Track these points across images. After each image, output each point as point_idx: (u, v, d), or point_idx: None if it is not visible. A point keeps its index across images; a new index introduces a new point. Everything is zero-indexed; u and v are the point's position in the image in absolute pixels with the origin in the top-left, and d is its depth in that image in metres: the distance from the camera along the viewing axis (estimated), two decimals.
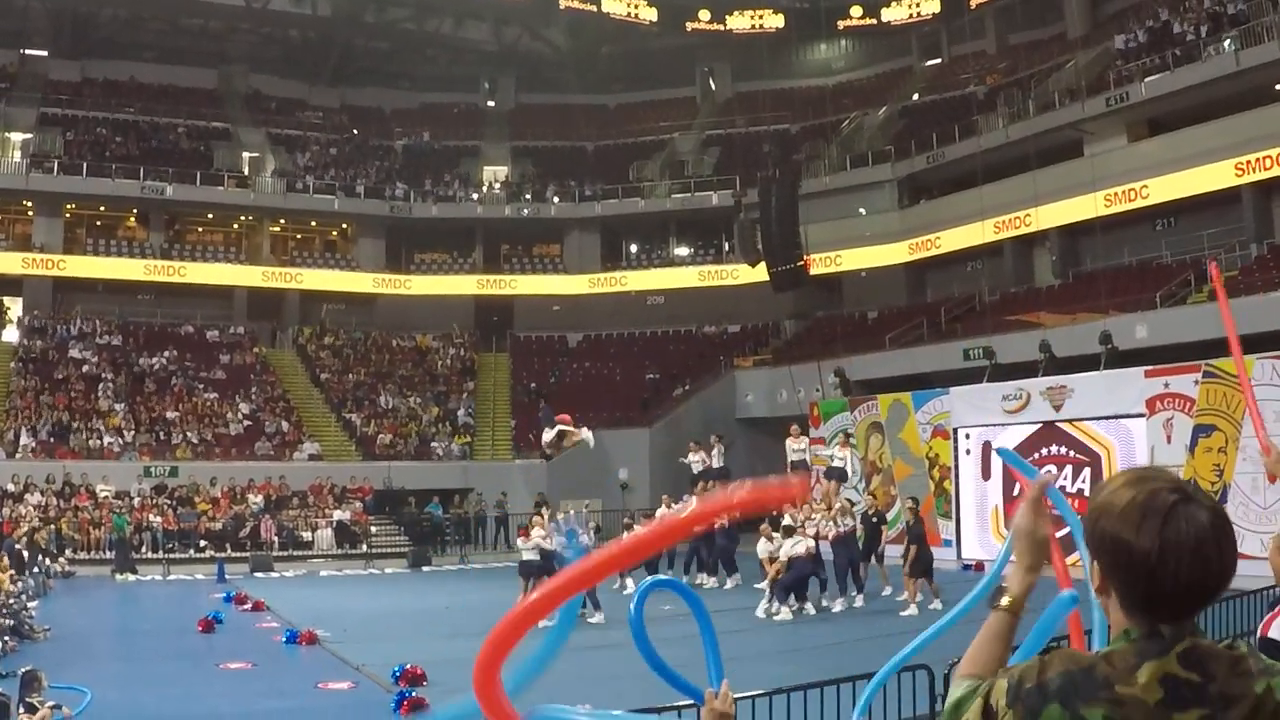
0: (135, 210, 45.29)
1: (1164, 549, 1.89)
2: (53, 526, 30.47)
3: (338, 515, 34.57)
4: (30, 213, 43.72)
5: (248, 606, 22.67)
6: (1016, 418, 26.49)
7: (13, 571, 19.92)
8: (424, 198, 47.58)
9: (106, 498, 32.86)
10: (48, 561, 27.39)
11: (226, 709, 13.26)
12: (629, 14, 49.95)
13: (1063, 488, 25.08)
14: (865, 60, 51.85)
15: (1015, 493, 26.06)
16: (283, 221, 47.75)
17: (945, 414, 28.51)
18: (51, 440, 35.60)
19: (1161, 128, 34.29)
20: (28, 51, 47.17)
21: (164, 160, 44.91)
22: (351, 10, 49.36)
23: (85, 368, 39.40)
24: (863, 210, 42.95)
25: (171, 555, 31.57)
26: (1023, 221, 36.99)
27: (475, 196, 48.78)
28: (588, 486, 36.90)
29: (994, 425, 27.22)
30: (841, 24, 49.65)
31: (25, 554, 25.46)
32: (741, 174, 44.53)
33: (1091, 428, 24.80)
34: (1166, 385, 23.21)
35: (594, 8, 49.18)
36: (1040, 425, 25.92)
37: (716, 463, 26.86)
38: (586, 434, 20.04)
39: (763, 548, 20.48)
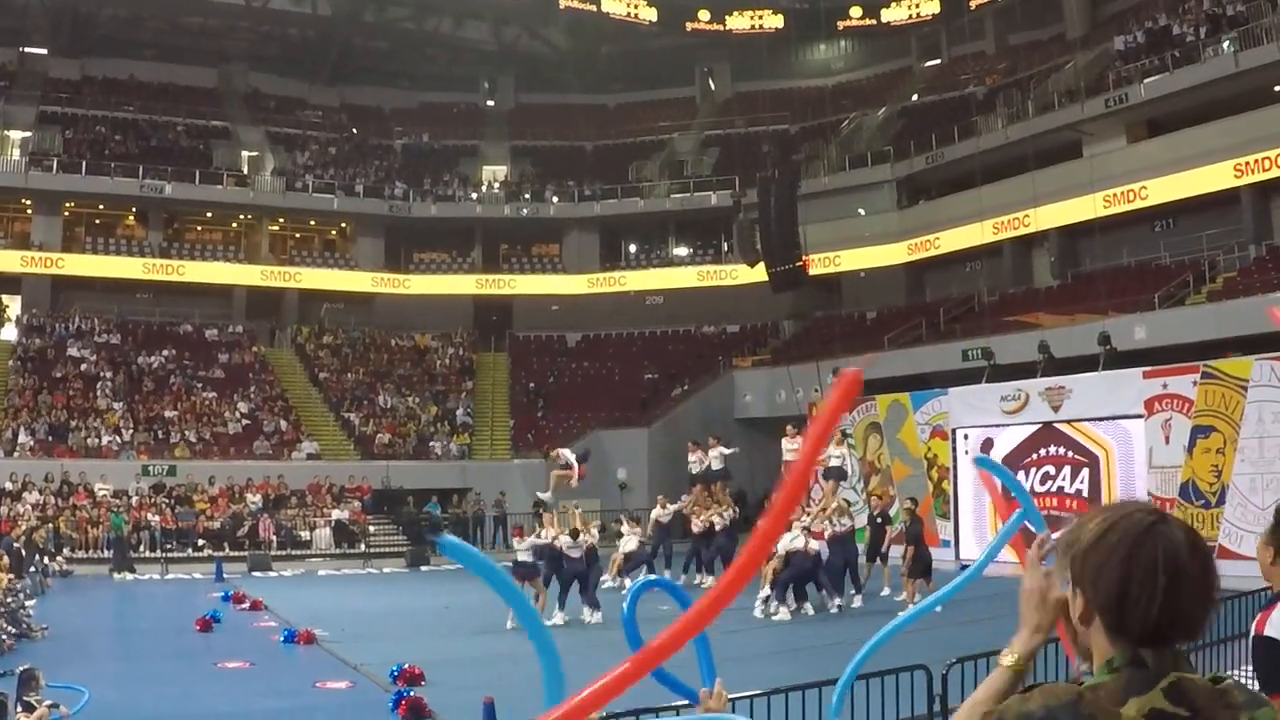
0: (134, 209, 45.29)
1: (1143, 570, 1.90)
2: (50, 525, 30.44)
3: (336, 515, 34.56)
4: (29, 211, 43.70)
5: (246, 606, 22.65)
6: (1015, 418, 26.49)
7: (12, 576, 19.86)
8: (423, 197, 47.58)
9: (104, 496, 32.83)
10: (45, 560, 27.38)
11: (224, 708, 13.25)
12: (628, 14, 49.94)
13: (1061, 488, 25.13)
14: (865, 61, 51.86)
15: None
16: (282, 220, 47.73)
17: (944, 414, 28.50)
18: (50, 439, 35.58)
19: (1161, 129, 34.31)
20: (27, 49, 47.14)
21: (163, 159, 44.90)
22: (351, 9, 49.35)
23: (84, 366, 39.38)
24: (862, 211, 42.96)
25: (169, 554, 31.55)
26: (1022, 222, 37.00)
27: (474, 196, 48.79)
28: (587, 486, 36.84)
29: (993, 426, 27.23)
30: (841, 24, 49.65)
31: (23, 552, 25.43)
32: (741, 174, 44.53)
33: (1090, 429, 24.80)
34: (1165, 386, 23.21)
35: (594, 7, 49.17)
36: (1038, 426, 25.92)
37: (716, 464, 26.83)
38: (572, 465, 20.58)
39: None
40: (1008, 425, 26.69)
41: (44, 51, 47.40)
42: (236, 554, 31.72)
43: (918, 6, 48.06)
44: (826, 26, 49.01)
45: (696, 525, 24.85)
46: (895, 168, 42.23)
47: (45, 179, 42.37)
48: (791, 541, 19.38)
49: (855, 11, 49.08)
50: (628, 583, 20.89)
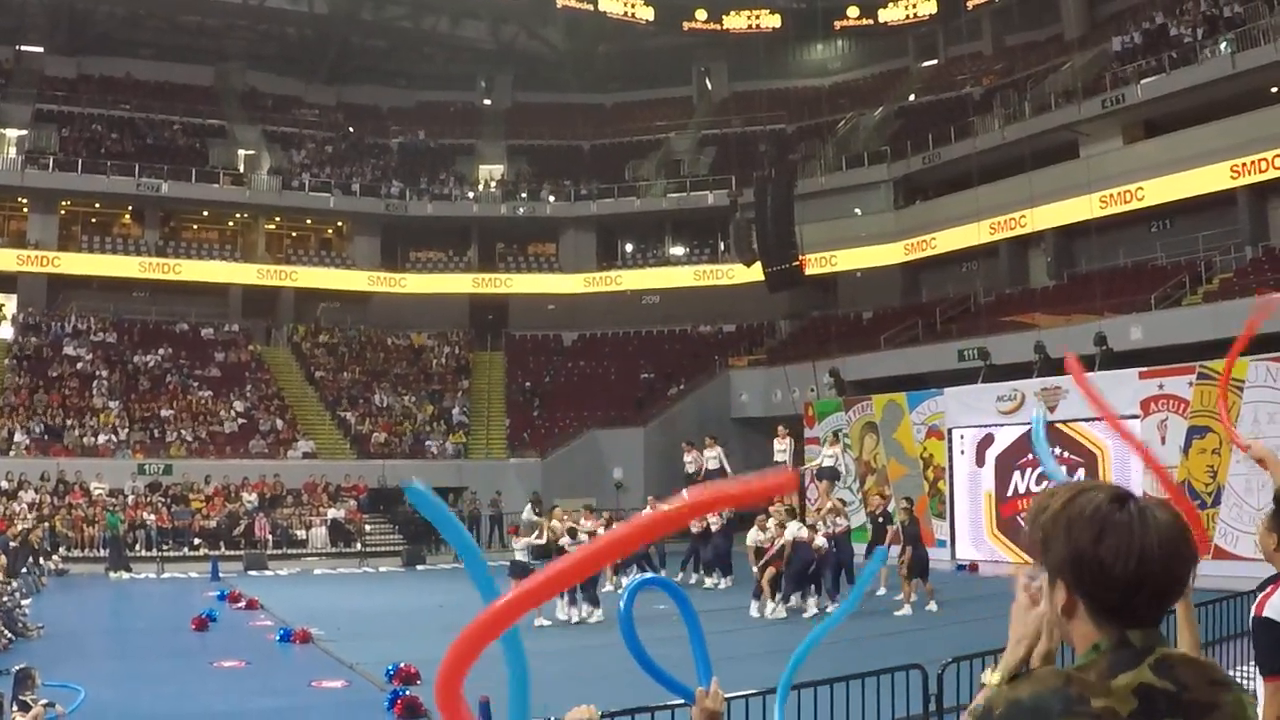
0: (130, 207, 45.30)
1: (1131, 549, 1.90)
2: (46, 524, 30.41)
3: (332, 513, 34.54)
4: (25, 209, 43.68)
5: (242, 605, 22.63)
6: (1011, 418, 26.50)
7: (7, 579, 19.84)
8: (419, 196, 47.57)
9: (100, 495, 32.81)
10: (40, 560, 27.32)
11: (220, 707, 13.24)
12: (626, 13, 49.93)
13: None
14: (862, 61, 51.88)
15: (1010, 493, 26.13)
16: (278, 219, 47.73)
17: (940, 414, 28.52)
18: (46, 438, 35.56)
19: (1157, 129, 34.34)
20: (24, 48, 47.14)
21: (159, 157, 44.88)
22: (348, 8, 49.34)
23: (79, 365, 39.36)
24: (858, 210, 42.99)
25: (165, 553, 31.53)
26: (1018, 222, 37.03)
27: (471, 195, 48.80)
28: (582, 486, 36.93)
29: (988, 426, 27.24)
30: (838, 24, 49.69)
31: (18, 551, 25.38)
32: (737, 174, 44.53)
33: (1086, 429, 24.81)
34: (1161, 386, 23.24)
35: (591, 7, 49.14)
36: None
37: (711, 464, 26.82)
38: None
39: (753, 536, 20.47)
40: (1003, 425, 26.69)
41: (40, 49, 47.39)
42: (232, 553, 31.67)
43: (915, 7, 48.07)
44: (823, 26, 49.09)
45: (694, 525, 24.82)
46: (892, 168, 42.26)
47: (41, 177, 42.34)
48: (798, 530, 19.40)
49: (852, 11, 49.09)
50: (622, 581, 20.88)
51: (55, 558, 29.20)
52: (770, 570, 19.42)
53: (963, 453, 27.93)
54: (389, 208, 46.82)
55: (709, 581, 24.19)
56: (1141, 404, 23.49)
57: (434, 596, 22.91)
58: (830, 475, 24.60)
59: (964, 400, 28.06)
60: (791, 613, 19.54)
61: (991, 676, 2.15)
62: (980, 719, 1.96)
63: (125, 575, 29.09)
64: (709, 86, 52.96)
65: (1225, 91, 31.20)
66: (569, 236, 48.60)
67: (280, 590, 25.50)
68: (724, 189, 44.92)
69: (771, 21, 50.23)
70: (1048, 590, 2.03)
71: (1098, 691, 1.88)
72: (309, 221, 48.51)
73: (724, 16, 50.23)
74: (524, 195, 48.71)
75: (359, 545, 34.14)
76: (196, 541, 32.60)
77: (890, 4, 48.55)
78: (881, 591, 21.89)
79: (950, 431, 28.21)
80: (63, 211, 44.06)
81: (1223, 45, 31.72)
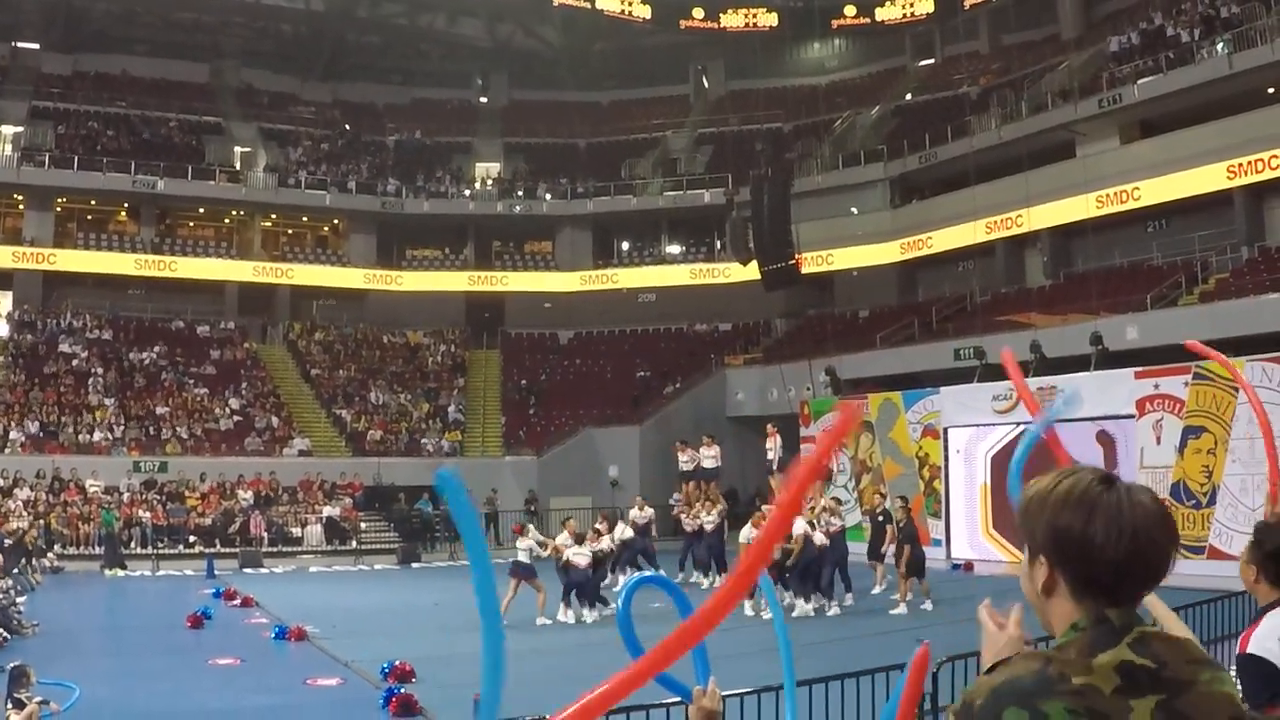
0: (126, 204, 45.25)
1: (1113, 526, 1.93)
2: (42, 522, 30.38)
3: (327, 511, 34.51)
4: (21, 206, 43.59)
5: (237, 602, 22.63)
6: (1006, 418, 26.53)
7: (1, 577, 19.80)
8: (416, 194, 47.51)
9: (96, 493, 32.77)
10: (33, 559, 27.26)
11: (215, 705, 13.23)
12: (623, 11, 49.89)
13: None
14: (858, 59, 51.88)
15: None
16: (274, 217, 47.67)
17: (935, 413, 28.56)
18: (41, 435, 35.51)
19: (1154, 130, 34.34)
20: (19, 44, 47.07)
21: (155, 154, 44.81)
22: (344, 5, 49.30)
23: (75, 362, 39.30)
24: (855, 209, 42.99)
25: (161, 551, 31.49)
26: (1014, 222, 37.02)
27: (467, 193, 48.76)
28: (578, 484, 36.93)
29: (984, 425, 27.27)
30: (835, 23, 49.64)
31: (13, 550, 25.35)
32: (734, 172, 44.49)
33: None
34: (1156, 386, 23.28)
35: (588, 4, 49.11)
36: (1028, 425, 25.93)
37: (707, 463, 26.83)
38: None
39: (746, 533, 20.48)
40: (999, 424, 26.73)
41: (36, 46, 47.34)
42: (228, 550, 31.65)
43: (912, 5, 48.04)
44: (820, 25, 49.02)
45: (688, 525, 24.83)
46: (888, 167, 42.26)
47: (37, 174, 42.27)
48: (805, 527, 19.43)
49: (849, 10, 49.03)
50: (619, 579, 20.87)
51: (50, 555, 29.16)
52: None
53: (958, 452, 27.98)
54: (385, 205, 46.76)
55: (705, 582, 24.20)
56: (1137, 404, 23.54)
57: (429, 595, 22.92)
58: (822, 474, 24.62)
59: (959, 399, 28.09)
60: (787, 610, 19.54)
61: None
62: (962, 714, 1.96)
63: (120, 573, 29.07)
64: (706, 85, 52.94)
65: (1222, 92, 31.20)
66: (565, 235, 48.58)
67: (275, 588, 25.48)
68: (720, 187, 44.87)
69: (769, 20, 50.20)
70: (1027, 569, 2.06)
71: (1078, 669, 1.90)
72: (305, 219, 48.46)
73: (721, 15, 50.19)
74: (520, 193, 48.67)
75: (354, 543, 34.10)
76: (192, 539, 32.56)
77: (887, 3, 48.51)
78: (877, 590, 21.95)
79: (946, 431, 28.24)
80: (58, 208, 44.00)
81: (1219, 46, 31.73)
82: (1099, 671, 1.89)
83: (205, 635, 18.56)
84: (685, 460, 27.48)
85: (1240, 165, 30.79)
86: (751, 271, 40.57)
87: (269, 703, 13.41)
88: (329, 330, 45.62)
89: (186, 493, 34.23)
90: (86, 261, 43.24)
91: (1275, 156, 29.87)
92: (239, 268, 45.49)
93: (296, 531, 33.96)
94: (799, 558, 19.29)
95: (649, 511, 25.03)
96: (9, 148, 43.51)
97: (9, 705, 10.72)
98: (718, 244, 46.97)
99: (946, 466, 28.14)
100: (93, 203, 44.91)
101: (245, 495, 34.43)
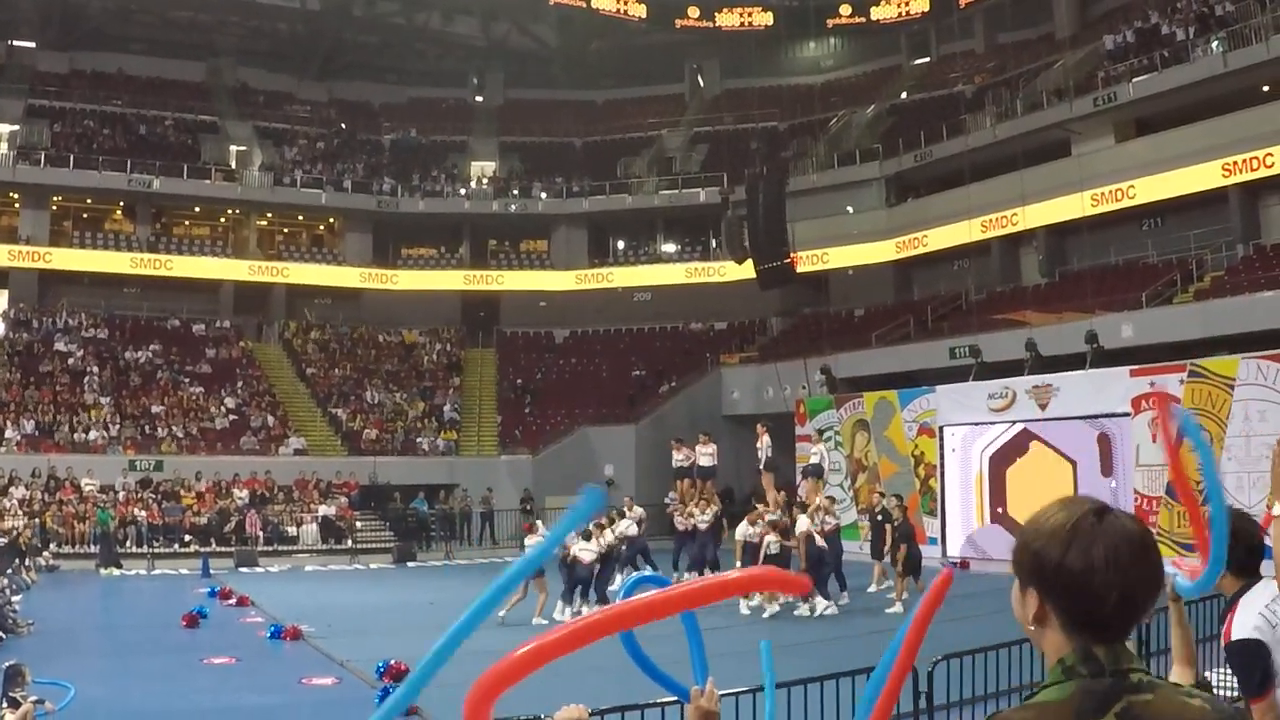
0: (122, 203, 45.20)
1: (1097, 560, 1.91)
2: (37, 521, 30.37)
3: (323, 510, 34.51)
4: (16, 205, 43.52)
5: (232, 601, 22.64)
6: (1002, 416, 26.57)
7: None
8: (411, 193, 47.48)
9: (91, 492, 32.75)
10: (28, 559, 27.22)
11: (210, 704, 13.23)
12: (618, 10, 49.86)
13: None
14: (854, 58, 51.89)
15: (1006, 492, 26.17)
16: (270, 215, 47.64)
17: (931, 412, 28.59)
18: (36, 434, 35.48)
19: (1149, 128, 34.35)
20: (15, 42, 47.00)
21: (151, 153, 44.76)
22: (340, 4, 49.23)
23: (71, 361, 39.27)
24: (850, 208, 43.00)
25: (156, 550, 31.48)
26: (1010, 221, 37.03)
27: (463, 192, 48.73)
28: (573, 483, 36.85)
29: (980, 424, 27.30)
30: (830, 22, 49.65)
31: (7, 549, 25.33)
32: (729, 171, 44.47)
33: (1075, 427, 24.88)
34: (1152, 384, 23.29)
35: (583, 3, 49.06)
36: (1026, 424, 25.97)
37: (703, 460, 26.82)
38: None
39: (742, 530, 20.46)
40: (994, 423, 26.76)
41: (32, 44, 47.27)
42: (223, 549, 31.67)
43: (907, 5, 48.06)
44: (816, 24, 49.05)
45: (681, 524, 24.82)
46: (884, 165, 42.27)
47: (33, 173, 42.22)
48: (806, 525, 19.45)
49: (845, 9, 49.03)
50: (617, 579, 20.88)
51: (46, 554, 29.14)
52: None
53: (954, 450, 28.00)
54: (381, 204, 46.72)
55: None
56: (1132, 402, 23.55)
57: (424, 594, 22.94)
58: (814, 473, 24.64)
59: (955, 398, 28.13)
60: (786, 607, 19.58)
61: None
62: None
63: (116, 572, 29.08)
64: (701, 84, 52.92)
65: (1217, 90, 31.21)
66: (561, 233, 48.56)
67: (271, 587, 25.48)
68: (716, 186, 44.82)
69: (764, 19, 50.19)
70: (1019, 598, 2.03)
71: None
72: (300, 218, 48.42)
73: (716, 14, 50.17)
74: (516, 192, 48.65)
75: (350, 542, 34.10)
76: (187, 538, 32.54)
77: (882, 2, 48.54)
78: (873, 589, 21.97)
79: (941, 429, 28.27)
80: (54, 207, 43.96)
81: (1214, 44, 31.74)
82: None
83: (200, 634, 18.56)
84: (680, 458, 27.50)
85: (1235, 163, 30.80)
86: (747, 270, 40.56)
87: (264, 702, 13.41)
88: (324, 329, 45.60)
89: (182, 491, 34.22)
90: (82, 260, 43.18)
91: (1270, 155, 29.88)
92: (234, 266, 45.45)
93: (292, 530, 33.96)
94: (804, 557, 19.37)
95: (639, 511, 25.01)
96: (4, 146, 43.47)
97: (4, 704, 10.71)
98: (713, 243, 46.95)
99: (942, 465, 28.16)
100: (88, 201, 44.84)
101: (241, 494, 34.44)
